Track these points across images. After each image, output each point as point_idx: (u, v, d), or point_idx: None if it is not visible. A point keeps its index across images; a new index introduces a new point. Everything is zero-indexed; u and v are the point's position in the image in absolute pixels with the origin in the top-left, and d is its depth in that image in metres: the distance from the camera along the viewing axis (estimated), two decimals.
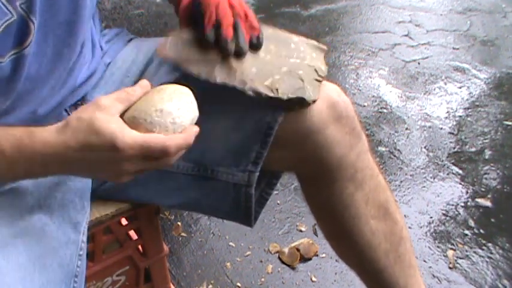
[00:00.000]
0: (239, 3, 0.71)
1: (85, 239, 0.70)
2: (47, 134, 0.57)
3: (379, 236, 0.82)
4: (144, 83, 0.60)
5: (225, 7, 0.68)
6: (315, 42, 0.77)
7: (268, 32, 0.75)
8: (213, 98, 0.77)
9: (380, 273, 0.85)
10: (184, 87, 0.62)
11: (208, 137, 0.75)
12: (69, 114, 0.78)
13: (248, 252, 1.35)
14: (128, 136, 0.54)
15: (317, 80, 0.71)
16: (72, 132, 0.56)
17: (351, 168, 0.77)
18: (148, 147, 0.55)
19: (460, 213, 1.49)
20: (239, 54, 0.68)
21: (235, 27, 0.68)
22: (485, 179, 1.63)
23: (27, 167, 0.58)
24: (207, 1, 0.68)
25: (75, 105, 0.78)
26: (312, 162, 0.75)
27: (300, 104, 0.70)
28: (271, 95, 0.68)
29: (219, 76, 0.68)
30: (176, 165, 0.77)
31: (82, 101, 0.79)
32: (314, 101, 0.70)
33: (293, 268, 1.31)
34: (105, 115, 0.55)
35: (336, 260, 1.32)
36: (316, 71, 0.72)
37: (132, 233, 0.94)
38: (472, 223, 1.45)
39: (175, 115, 0.57)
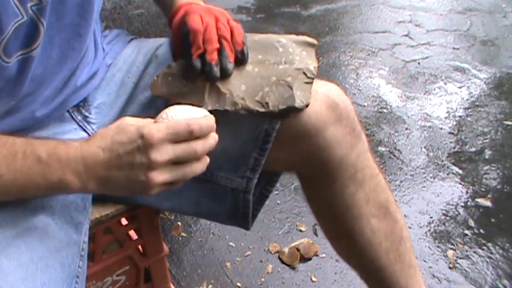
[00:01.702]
0: (225, 22, 0.72)
1: (86, 239, 0.70)
2: (79, 142, 0.59)
3: (379, 235, 0.82)
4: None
5: (210, 33, 0.69)
6: (305, 38, 0.77)
7: (254, 40, 0.75)
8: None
9: (381, 272, 0.85)
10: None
11: None
12: (71, 116, 0.78)
13: (248, 252, 1.35)
14: (153, 125, 0.58)
15: (307, 83, 0.71)
16: (102, 136, 0.59)
17: (351, 168, 0.77)
18: (173, 127, 0.57)
19: (460, 213, 1.49)
20: (224, 75, 0.69)
21: (220, 50, 0.69)
22: (485, 179, 1.63)
23: (60, 175, 0.58)
24: (194, 30, 0.69)
25: (77, 107, 0.78)
26: (313, 162, 0.76)
27: (292, 111, 0.70)
28: (262, 110, 0.69)
29: (210, 103, 0.70)
30: None
31: (84, 102, 0.79)
32: (307, 105, 0.70)
33: (293, 268, 1.31)
34: (129, 118, 0.60)
35: (336, 260, 1.32)
36: (305, 73, 0.71)
37: (132, 233, 0.94)
38: (472, 223, 1.45)
39: (191, 111, 0.61)
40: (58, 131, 0.75)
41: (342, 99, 0.75)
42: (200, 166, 0.60)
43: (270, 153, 0.74)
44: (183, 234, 1.42)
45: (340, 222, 0.82)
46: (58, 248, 0.64)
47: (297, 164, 0.78)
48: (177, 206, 0.81)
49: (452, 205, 1.52)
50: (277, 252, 1.35)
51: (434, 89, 2.15)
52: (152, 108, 0.78)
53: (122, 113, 0.79)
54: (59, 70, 0.69)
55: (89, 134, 0.77)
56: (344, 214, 0.80)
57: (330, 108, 0.73)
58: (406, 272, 0.86)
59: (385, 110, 1.99)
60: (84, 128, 0.78)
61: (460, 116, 1.96)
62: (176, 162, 0.58)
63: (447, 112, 1.99)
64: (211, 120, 0.60)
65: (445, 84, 2.19)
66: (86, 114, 0.78)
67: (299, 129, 0.72)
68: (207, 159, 0.61)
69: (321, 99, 0.73)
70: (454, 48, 2.50)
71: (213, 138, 0.61)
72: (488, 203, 1.53)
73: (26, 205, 0.64)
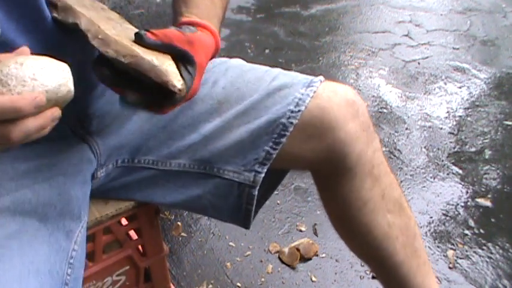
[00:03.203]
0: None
1: (77, 247, 0.68)
2: None
3: (395, 230, 0.83)
4: (23, 48, 0.51)
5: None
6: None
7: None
8: (226, 96, 0.77)
9: (398, 267, 0.85)
10: (66, 65, 0.53)
11: (220, 136, 0.76)
12: (72, 131, 0.76)
13: (248, 252, 1.35)
14: None
15: None
16: None
17: (368, 163, 0.78)
18: None
19: (460, 213, 1.49)
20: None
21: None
22: (485, 179, 1.63)
23: None
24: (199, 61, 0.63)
25: (78, 120, 0.76)
26: (334, 157, 0.76)
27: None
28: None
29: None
30: (183, 164, 0.78)
31: (85, 114, 0.77)
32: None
33: (293, 268, 1.31)
34: None
35: (336, 260, 1.32)
36: None
37: (132, 233, 0.95)
38: (472, 223, 1.45)
39: (37, 71, 0.49)
40: (60, 147, 0.73)
41: (358, 98, 0.78)
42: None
43: (292, 149, 0.75)
44: (183, 234, 1.42)
45: (358, 218, 0.82)
46: (47, 254, 0.63)
47: (317, 160, 0.78)
48: (180, 201, 0.81)
49: (452, 205, 1.52)
50: (277, 252, 1.35)
51: (434, 89, 2.15)
52: (161, 120, 0.78)
53: (126, 123, 0.78)
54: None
55: (90, 146, 0.76)
56: (361, 209, 0.81)
57: (349, 104, 0.75)
58: (422, 269, 0.87)
59: (385, 110, 1.99)
60: (86, 140, 0.76)
61: (460, 116, 1.96)
62: None
63: (447, 112, 1.99)
64: (23, 100, 0.47)
65: (445, 84, 2.19)
66: (86, 126, 0.77)
67: (324, 122, 0.73)
68: (27, 123, 0.48)
69: (341, 95, 0.75)
70: (454, 48, 2.50)
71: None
72: (488, 203, 1.53)
73: (19, 209, 0.64)
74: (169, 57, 0.60)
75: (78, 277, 0.67)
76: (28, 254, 0.61)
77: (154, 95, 0.60)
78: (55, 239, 0.65)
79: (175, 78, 0.58)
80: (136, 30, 0.62)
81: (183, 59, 0.61)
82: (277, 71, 0.80)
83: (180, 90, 0.58)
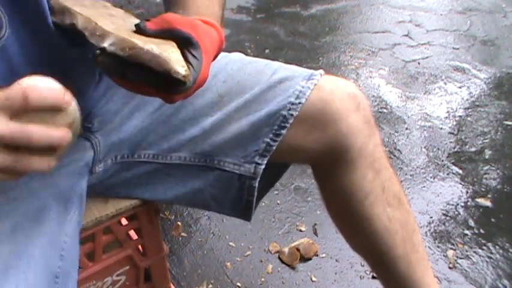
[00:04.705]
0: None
1: (68, 239, 0.68)
2: None
3: (395, 224, 0.83)
4: None
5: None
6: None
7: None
8: (227, 90, 0.77)
9: (398, 261, 0.85)
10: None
11: (220, 129, 0.76)
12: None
13: (248, 252, 1.35)
14: None
15: None
16: None
17: (370, 156, 0.78)
18: (6, 91, 0.44)
19: (460, 213, 1.49)
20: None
21: None
22: (485, 179, 1.63)
23: None
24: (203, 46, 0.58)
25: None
26: (336, 150, 0.76)
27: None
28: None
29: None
30: (183, 157, 0.78)
31: (86, 115, 0.76)
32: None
33: (293, 268, 1.31)
34: None
35: (336, 260, 1.32)
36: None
37: (132, 233, 0.95)
38: (472, 223, 1.45)
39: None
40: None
41: (359, 92, 0.79)
42: (39, 163, 0.46)
43: (294, 142, 0.75)
44: (183, 234, 1.42)
45: (359, 210, 0.82)
46: (39, 247, 0.63)
47: (319, 153, 0.78)
48: (182, 195, 0.81)
49: (452, 205, 1.52)
50: (277, 252, 1.35)
51: (434, 89, 2.15)
52: (162, 115, 0.78)
53: (127, 120, 0.78)
54: (46, 63, 0.63)
55: (91, 143, 0.76)
56: (362, 202, 0.81)
57: (350, 97, 0.76)
58: (421, 264, 0.87)
59: (385, 110, 1.99)
60: (87, 137, 0.76)
61: (460, 116, 1.96)
62: (12, 145, 0.45)
63: (447, 112, 1.99)
64: (60, 93, 0.45)
65: (445, 84, 2.19)
66: (88, 125, 0.77)
67: (326, 114, 0.74)
68: (52, 162, 0.48)
69: (343, 89, 0.76)
70: (454, 48, 2.51)
71: (62, 131, 0.47)
72: (488, 203, 1.53)
73: (11, 204, 0.64)
74: (173, 43, 0.57)
75: (69, 271, 0.66)
76: (19, 247, 0.60)
77: (165, 84, 0.56)
78: (48, 231, 0.65)
79: (178, 64, 0.53)
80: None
81: (186, 44, 0.57)
82: (277, 64, 0.81)
83: (184, 76, 0.53)
